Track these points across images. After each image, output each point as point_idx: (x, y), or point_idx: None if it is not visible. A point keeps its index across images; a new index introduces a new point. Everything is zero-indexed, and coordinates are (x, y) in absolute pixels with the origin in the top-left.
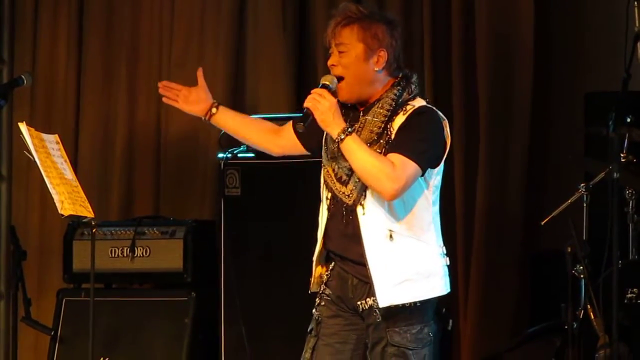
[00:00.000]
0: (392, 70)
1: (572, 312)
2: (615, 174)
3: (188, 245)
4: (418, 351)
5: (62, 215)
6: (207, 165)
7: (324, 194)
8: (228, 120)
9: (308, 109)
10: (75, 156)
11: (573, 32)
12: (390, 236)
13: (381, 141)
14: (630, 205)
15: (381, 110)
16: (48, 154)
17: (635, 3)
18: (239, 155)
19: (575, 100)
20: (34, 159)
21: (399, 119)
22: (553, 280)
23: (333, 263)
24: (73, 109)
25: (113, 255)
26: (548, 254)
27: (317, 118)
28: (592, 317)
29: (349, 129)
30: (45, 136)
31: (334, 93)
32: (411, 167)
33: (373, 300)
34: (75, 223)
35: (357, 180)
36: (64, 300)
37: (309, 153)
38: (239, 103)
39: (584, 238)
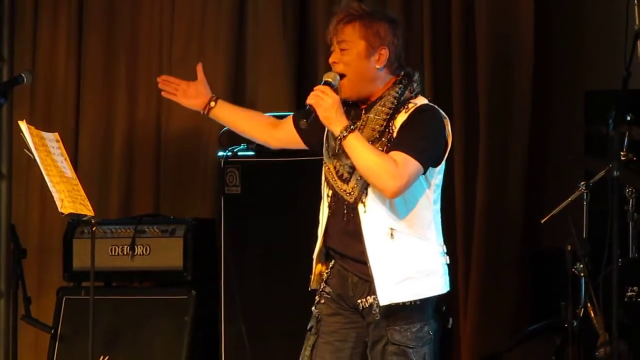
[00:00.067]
0: (393, 68)
1: (572, 310)
2: (615, 172)
3: (188, 244)
4: (418, 349)
5: (62, 213)
6: (207, 164)
7: (325, 192)
8: (226, 114)
9: (311, 105)
10: (75, 154)
11: (573, 31)
12: (392, 234)
13: (383, 139)
14: (630, 203)
15: (383, 109)
16: (48, 152)
17: (635, 1)
18: (239, 153)
19: (575, 99)
20: (34, 157)
21: (401, 117)
22: (553, 278)
23: (333, 261)
24: (73, 107)
25: (113, 253)
26: (548, 252)
27: (319, 115)
28: (592, 315)
29: (352, 127)
30: (45, 134)
31: (336, 90)
32: (413, 165)
33: (373, 298)
34: (75, 221)
35: (359, 178)
36: (64, 299)
37: (307, 148)
38: (239, 101)
39: (584, 236)
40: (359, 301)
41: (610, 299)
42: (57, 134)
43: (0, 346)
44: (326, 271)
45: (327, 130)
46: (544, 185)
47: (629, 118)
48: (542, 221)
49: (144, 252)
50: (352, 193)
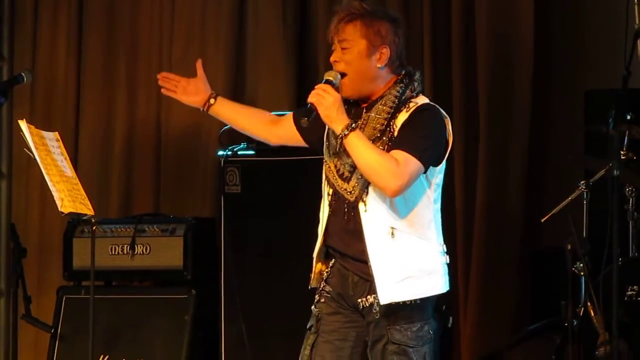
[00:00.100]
0: (394, 67)
1: (572, 310)
2: (615, 172)
3: (188, 243)
4: (419, 349)
5: (62, 212)
6: (207, 163)
7: (325, 190)
8: (226, 111)
9: (312, 104)
10: (75, 154)
11: (573, 31)
12: (392, 233)
13: (384, 138)
14: (630, 202)
15: (384, 108)
16: (48, 152)
17: (635, 1)
18: (239, 152)
19: (575, 99)
20: (34, 156)
21: (402, 116)
22: (553, 277)
23: (333, 260)
24: (73, 106)
25: (113, 252)
26: (548, 252)
27: (321, 113)
28: (592, 314)
29: (353, 125)
30: (45, 134)
31: (337, 89)
32: (414, 163)
33: (374, 297)
34: (75, 220)
35: (360, 176)
36: (64, 298)
37: (307, 146)
38: (239, 101)
39: (584, 235)
40: (359, 300)
41: (610, 298)
42: (57, 133)
43: (0, 345)
44: (326, 270)
45: (328, 129)
46: (544, 185)
47: (629, 117)
48: (542, 220)
49: (144, 251)
50: (352, 192)
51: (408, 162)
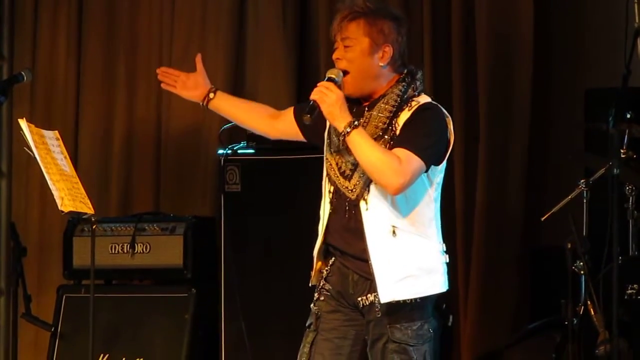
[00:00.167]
0: (397, 66)
1: (572, 308)
2: (615, 170)
3: (188, 242)
4: (419, 347)
5: (62, 211)
6: (207, 162)
7: (326, 188)
8: (226, 105)
9: (315, 101)
10: (75, 152)
11: (573, 31)
12: (394, 232)
13: (386, 137)
14: (630, 201)
15: (386, 106)
16: (48, 150)
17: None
18: (239, 151)
19: (575, 98)
20: (34, 155)
21: (404, 115)
22: (553, 276)
23: (333, 258)
24: (73, 105)
25: (113, 251)
26: (548, 250)
27: (323, 111)
28: (592, 313)
29: (355, 123)
30: (45, 132)
31: (339, 86)
32: (416, 161)
33: (374, 296)
34: (75, 219)
35: (361, 175)
36: (64, 297)
37: (305, 141)
38: None
39: (584, 234)
40: (359, 299)
41: (610, 297)
42: (57, 132)
43: (0, 344)
44: (326, 268)
45: (329, 126)
46: (544, 184)
47: (629, 116)
48: (542, 219)
49: (144, 250)
50: (354, 190)
51: (410, 160)
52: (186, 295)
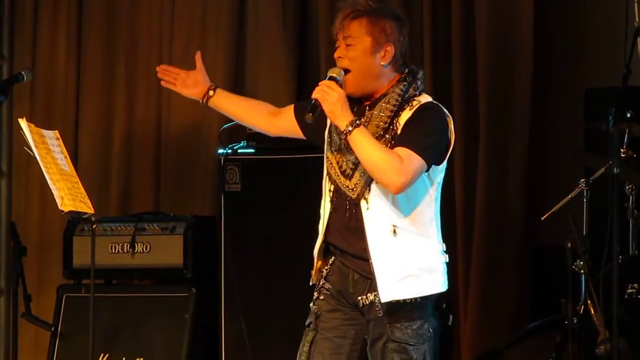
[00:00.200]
0: (398, 65)
1: (572, 308)
2: (615, 169)
3: (188, 241)
4: (419, 347)
5: (62, 211)
6: (207, 161)
7: (327, 187)
8: (225, 103)
9: (317, 100)
10: (75, 152)
11: (573, 31)
12: (394, 231)
13: (387, 136)
14: (630, 200)
15: (387, 106)
16: (48, 150)
17: None
18: (239, 151)
19: (575, 98)
20: (34, 154)
21: (405, 114)
22: (553, 275)
23: (333, 257)
24: (73, 105)
25: (113, 251)
26: (548, 250)
27: (325, 109)
28: (592, 312)
29: (357, 122)
30: (45, 132)
31: (341, 85)
32: (417, 161)
33: (374, 295)
34: (75, 219)
35: (362, 174)
36: (64, 296)
37: (305, 139)
38: None
39: (584, 233)
40: (360, 298)
41: (610, 296)
42: (57, 131)
43: (0, 344)
44: (326, 267)
45: (330, 125)
46: (544, 184)
47: (629, 115)
48: (542, 218)
49: (144, 249)
50: (354, 189)
51: (412, 159)
52: (186, 294)
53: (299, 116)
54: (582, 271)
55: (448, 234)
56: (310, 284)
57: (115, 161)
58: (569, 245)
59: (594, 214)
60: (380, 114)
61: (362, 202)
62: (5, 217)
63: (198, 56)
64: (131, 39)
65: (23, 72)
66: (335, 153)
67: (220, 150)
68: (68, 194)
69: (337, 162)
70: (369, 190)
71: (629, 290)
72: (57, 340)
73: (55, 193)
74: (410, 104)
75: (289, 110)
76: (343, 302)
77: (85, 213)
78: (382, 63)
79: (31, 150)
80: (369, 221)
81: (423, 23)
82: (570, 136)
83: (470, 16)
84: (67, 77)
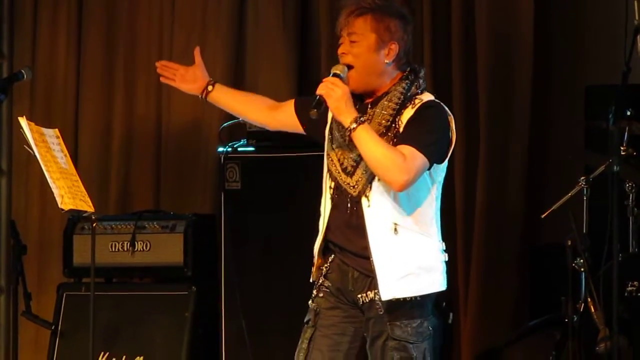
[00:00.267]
0: (401, 64)
1: (573, 305)
2: (615, 167)
3: (188, 240)
4: (418, 345)
5: (62, 209)
6: (207, 159)
7: (327, 184)
8: (224, 97)
9: (321, 96)
10: (75, 150)
11: (573, 29)
12: (395, 229)
13: (389, 134)
14: (630, 198)
15: (390, 104)
16: (48, 148)
17: None
18: (239, 149)
19: (575, 97)
20: (34, 153)
21: (408, 113)
22: (553, 273)
23: (332, 255)
24: (73, 103)
25: (113, 249)
26: (548, 248)
27: (330, 105)
28: (593, 310)
29: (362, 118)
30: (45, 130)
31: (344, 82)
32: (420, 158)
33: (374, 293)
34: (75, 217)
35: (364, 171)
36: (64, 295)
37: (304, 133)
38: None
39: (584, 231)
40: (359, 296)
41: (610, 294)
42: (57, 130)
43: (0, 342)
44: (325, 265)
45: (331, 122)
46: (544, 183)
47: (629, 113)
48: (542, 216)
49: (144, 248)
50: (355, 186)
51: (415, 156)
52: (186, 293)
53: (299, 111)
54: (582, 269)
55: (448, 233)
56: (311, 281)
57: (115, 160)
58: (569, 243)
59: (594, 212)
60: (383, 112)
61: (363, 200)
62: (5, 215)
63: (197, 51)
64: (131, 37)
65: (23, 71)
66: (336, 150)
67: (221, 149)
68: (68, 192)
69: (339, 159)
70: (371, 188)
71: (629, 288)
72: (57, 338)
73: (55, 191)
74: (412, 102)
75: (289, 104)
76: (342, 300)
77: (86, 211)
78: (386, 61)
79: (31, 149)
80: (370, 219)
81: (423, 23)
82: (571, 135)
83: (470, 16)
84: (67, 76)
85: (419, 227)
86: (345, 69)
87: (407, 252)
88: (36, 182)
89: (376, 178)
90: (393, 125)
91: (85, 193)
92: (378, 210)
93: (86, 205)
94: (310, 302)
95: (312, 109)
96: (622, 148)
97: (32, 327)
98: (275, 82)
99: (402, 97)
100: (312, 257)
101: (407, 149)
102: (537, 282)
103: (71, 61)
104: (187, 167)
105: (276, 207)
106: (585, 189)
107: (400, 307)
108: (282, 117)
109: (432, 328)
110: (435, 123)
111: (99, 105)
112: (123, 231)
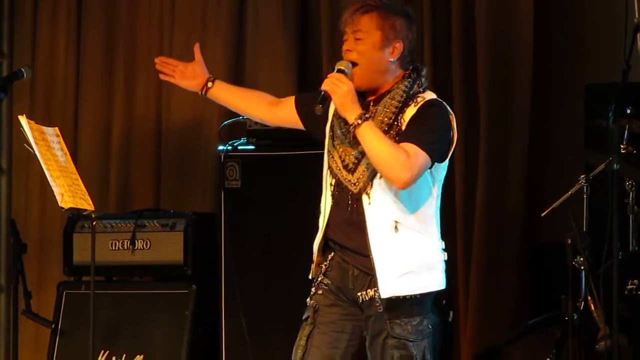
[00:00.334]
0: (404, 62)
1: (573, 304)
2: (615, 166)
3: (188, 238)
4: (418, 343)
5: (62, 208)
6: (208, 158)
7: (328, 181)
8: (224, 94)
9: (326, 92)
10: (75, 149)
11: (573, 29)
12: (396, 227)
13: (391, 132)
14: (630, 196)
15: (392, 102)
16: (48, 147)
17: None
18: (239, 147)
19: (575, 96)
20: (34, 151)
21: (410, 111)
22: (553, 272)
23: (332, 253)
24: (73, 102)
25: (113, 248)
26: (548, 246)
27: (335, 102)
28: (593, 308)
29: (366, 115)
30: (45, 129)
31: (349, 78)
32: (422, 156)
33: (374, 291)
34: (75, 216)
35: (365, 168)
36: (64, 293)
37: (304, 129)
38: None
39: (584, 230)
40: (359, 294)
41: (610, 292)
42: (57, 128)
43: (0, 341)
44: (325, 263)
45: (333, 119)
46: (544, 182)
47: (628, 111)
48: (542, 214)
49: (145, 246)
50: (357, 184)
51: (418, 154)
52: (186, 291)
53: (300, 108)
54: (582, 267)
55: (448, 233)
56: (310, 277)
57: (115, 158)
58: (569, 241)
59: (594, 211)
60: (385, 109)
61: (364, 197)
62: (5, 214)
63: (197, 48)
64: (131, 37)
65: (23, 70)
66: (337, 147)
67: (221, 147)
68: (68, 190)
69: (340, 156)
70: (372, 185)
71: (629, 287)
72: (58, 337)
73: (55, 190)
74: (415, 100)
75: (290, 101)
76: (342, 298)
77: (86, 210)
78: (390, 59)
79: (31, 147)
80: (370, 216)
81: (423, 22)
82: (571, 134)
83: (470, 16)
84: (67, 74)
85: (419, 225)
86: (350, 65)
87: (407, 250)
88: (36, 181)
89: (377, 175)
90: (395, 123)
91: (85, 191)
92: (379, 207)
93: (86, 203)
94: (308, 299)
95: (317, 104)
96: (622, 146)
97: (32, 326)
98: (275, 80)
99: (404, 95)
100: (312, 255)
101: (410, 147)
102: (537, 281)
103: (71, 60)
104: (187, 165)
105: (276, 206)
106: (585, 188)
107: (400, 305)
108: (282, 113)
109: (432, 326)
110: (438, 122)
111: (99, 104)
112: (123, 230)
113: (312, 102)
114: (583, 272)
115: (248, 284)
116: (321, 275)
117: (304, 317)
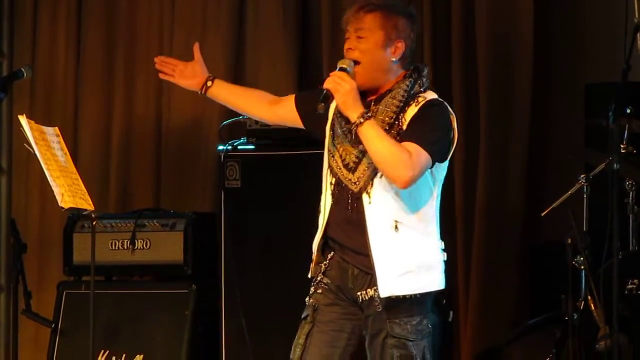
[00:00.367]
0: (405, 62)
1: (573, 303)
2: (615, 165)
3: (188, 238)
4: (418, 342)
5: (62, 207)
6: (208, 158)
7: (328, 180)
8: (224, 93)
9: (328, 90)
10: (75, 149)
11: (573, 29)
12: (396, 227)
13: (392, 131)
14: (630, 196)
15: (393, 101)
16: (48, 147)
17: None
18: (239, 147)
19: (575, 95)
20: (34, 151)
21: (411, 110)
22: (553, 271)
23: (332, 252)
24: (73, 101)
25: (113, 247)
26: (548, 246)
27: (337, 100)
28: (593, 308)
29: (369, 114)
30: (45, 129)
31: (351, 77)
32: (424, 156)
33: (374, 290)
34: (75, 215)
35: (366, 168)
36: (64, 293)
37: (304, 128)
38: None
39: (584, 229)
40: (359, 293)
41: (610, 292)
42: (57, 128)
43: (0, 341)
44: (324, 262)
45: (333, 118)
46: (544, 182)
47: (628, 111)
48: (542, 214)
49: (144, 246)
50: (357, 183)
51: (419, 153)
52: (186, 291)
53: (300, 106)
54: (582, 267)
55: (448, 234)
56: (309, 276)
57: (115, 158)
58: (569, 241)
59: (594, 210)
60: (386, 109)
61: (364, 196)
62: (5, 214)
63: (196, 47)
64: (130, 36)
65: (23, 69)
66: (338, 146)
67: (220, 147)
68: (68, 190)
69: (340, 155)
70: (372, 184)
71: (629, 286)
72: (57, 337)
73: (55, 190)
74: (416, 100)
75: (290, 99)
76: (342, 297)
77: (85, 210)
78: (392, 59)
79: (31, 147)
80: (370, 215)
81: (423, 22)
82: (571, 134)
83: (470, 16)
84: (66, 74)
85: (419, 225)
86: (352, 63)
87: (407, 249)
88: (36, 181)
89: (378, 175)
90: (396, 122)
91: (85, 191)
92: (379, 207)
93: (86, 203)
94: (308, 298)
95: (319, 103)
96: (622, 146)
97: (32, 325)
98: (275, 79)
99: (405, 94)
100: (312, 255)
101: (412, 146)
102: (537, 281)
103: (71, 60)
104: (187, 165)
105: (276, 205)
106: (585, 187)
107: (400, 305)
108: (282, 111)
109: (431, 326)
110: (439, 122)
111: (99, 104)
112: (123, 229)
113: (313, 101)
114: (583, 271)
115: (248, 283)
116: (321, 274)
117: (303, 316)
